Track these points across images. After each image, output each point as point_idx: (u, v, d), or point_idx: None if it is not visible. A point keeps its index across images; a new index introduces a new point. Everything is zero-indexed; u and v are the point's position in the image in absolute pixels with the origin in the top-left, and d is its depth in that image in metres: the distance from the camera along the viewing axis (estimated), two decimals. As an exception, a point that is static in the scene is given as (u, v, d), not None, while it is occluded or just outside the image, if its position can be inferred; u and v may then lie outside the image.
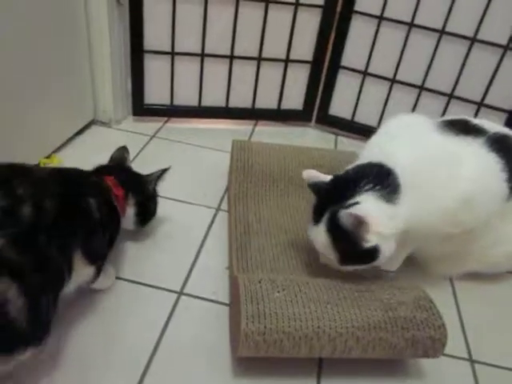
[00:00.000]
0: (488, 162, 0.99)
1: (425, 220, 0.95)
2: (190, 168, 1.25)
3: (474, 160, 0.98)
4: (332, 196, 0.92)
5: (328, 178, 0.97)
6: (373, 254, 0.89)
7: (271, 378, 0.89)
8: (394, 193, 0.89)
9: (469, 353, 1.00)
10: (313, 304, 0.85)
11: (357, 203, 0.88)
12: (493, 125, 1.08)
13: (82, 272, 0.83)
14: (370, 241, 0.88)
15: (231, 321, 0.96)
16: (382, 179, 0.90)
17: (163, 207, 1.17)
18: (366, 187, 0.90)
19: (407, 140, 1.02)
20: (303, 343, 0.82)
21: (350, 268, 0.94)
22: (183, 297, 1.01)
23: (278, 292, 0.86)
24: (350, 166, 1.00)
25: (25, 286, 0.66)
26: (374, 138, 1.08)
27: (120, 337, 0.91)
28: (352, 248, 0.89)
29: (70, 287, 0.82)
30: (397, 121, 1.10)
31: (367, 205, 0.88)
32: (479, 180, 0.97)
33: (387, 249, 0.90)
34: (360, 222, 0.86)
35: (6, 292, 0.64)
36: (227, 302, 1.01)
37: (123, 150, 1.14)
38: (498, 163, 0.99)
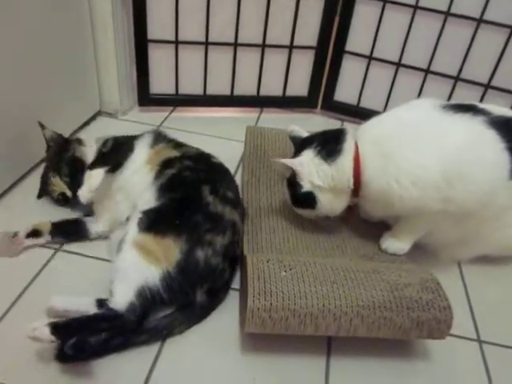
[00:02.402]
0: (486, 138, 0.98)
1: (401, 192, 0.96)
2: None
3: (466, 134, 0.97)
4: (300, 148, 1.09)
5: (306, 135, 1.14)
6: (310, 199, 1.04)
7: (281, 357, 0.90)
8: (332, 155, 1.02)
9: (477, 333, 1.00)
10: (319, 283, 0.86)
11: (300, 155, 1.05)
12: (500, 109, 1.06)
13: None
14: (304, 187, 1.03)
15: (241, 301, 0.97)
16: (328, 142, 1.05)
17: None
18: (313, 145, 1.05)
19: (388, 116, 1.09)
20: (308, 321, 0.83)
21: (300, 211, 1.10)
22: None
23: (285, 271, 0.87)
24: None
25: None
26: None
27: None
28: (294, 191, 1.06)
29: None
30: (408, 103, 1.10)
31: (304, 157, 1.04)
32: (468, 154, 0.95)
33: (325, 199, 1.04)
34: (291, 169, 1.04)
35: None
36: (236, 287, 1.02)
37: None
38: (498, 141, 0.97)
